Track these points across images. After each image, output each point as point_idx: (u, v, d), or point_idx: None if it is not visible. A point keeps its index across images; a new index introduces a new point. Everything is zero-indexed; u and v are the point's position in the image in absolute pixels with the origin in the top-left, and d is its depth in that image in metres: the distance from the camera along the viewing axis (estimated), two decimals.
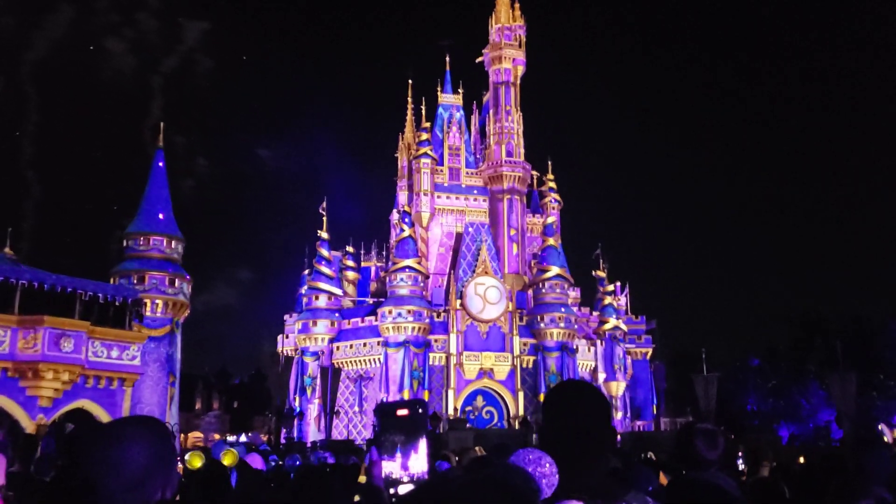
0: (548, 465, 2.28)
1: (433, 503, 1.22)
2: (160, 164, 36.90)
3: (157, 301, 34.00)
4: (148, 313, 33.41)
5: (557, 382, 2.66)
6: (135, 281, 33.65)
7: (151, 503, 2.06)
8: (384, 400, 42.69)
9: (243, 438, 39.03)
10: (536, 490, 1.26)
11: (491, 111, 54.73)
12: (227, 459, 7.89)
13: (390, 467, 5.25)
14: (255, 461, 7.88)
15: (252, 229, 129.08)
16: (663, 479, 7.32)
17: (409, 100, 59.15)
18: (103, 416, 28.55)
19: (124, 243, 35.35)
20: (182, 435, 41.61)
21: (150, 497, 2.06)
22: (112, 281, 33.61)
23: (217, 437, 41.91)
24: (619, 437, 43.88)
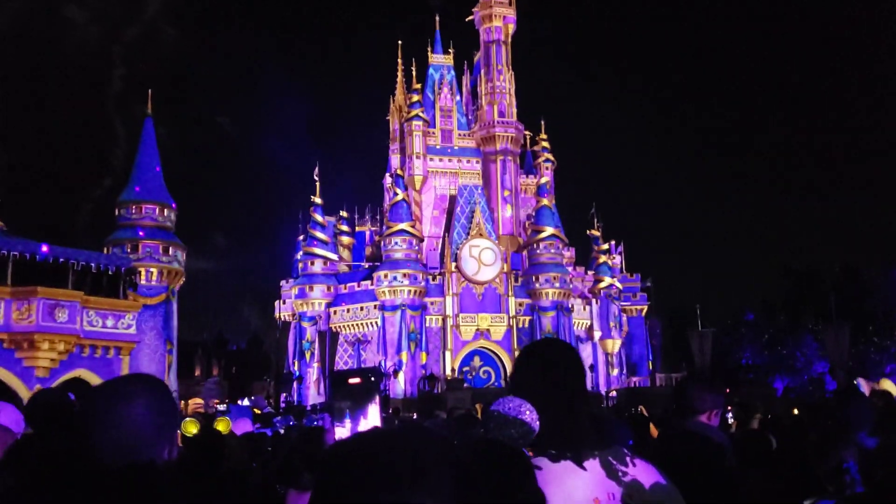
0: (528, 411, 2.29)
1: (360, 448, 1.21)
2: (150, 131, 36.64)
3: (152, 269, 33.98)
4: (142, 282, 33.33)
5: (531, 341, 2.72)
6: (128, 250, 33.57)
7: (159, 462, 2.00)
8: (380, 363, 42.96)
9: (246, 402, 39.29)
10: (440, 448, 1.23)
11: (482, 71, 54.22)
12: (221, 426, 7.91)
13: (340, 433, 5.34)
14: (245, 426, 7.88)
15: (245, 197, 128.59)
16: (654, 431, 7.42)
17: (400, 61, 58.61)
18: None
19: (116, 212, 35.22)
20: (182, 402, 41.90)
21: (158, 455, 2.01)
22: (105, 250, 33.46)
23: (217, 403, 42.13)
24: (613, 392, 44.36)
